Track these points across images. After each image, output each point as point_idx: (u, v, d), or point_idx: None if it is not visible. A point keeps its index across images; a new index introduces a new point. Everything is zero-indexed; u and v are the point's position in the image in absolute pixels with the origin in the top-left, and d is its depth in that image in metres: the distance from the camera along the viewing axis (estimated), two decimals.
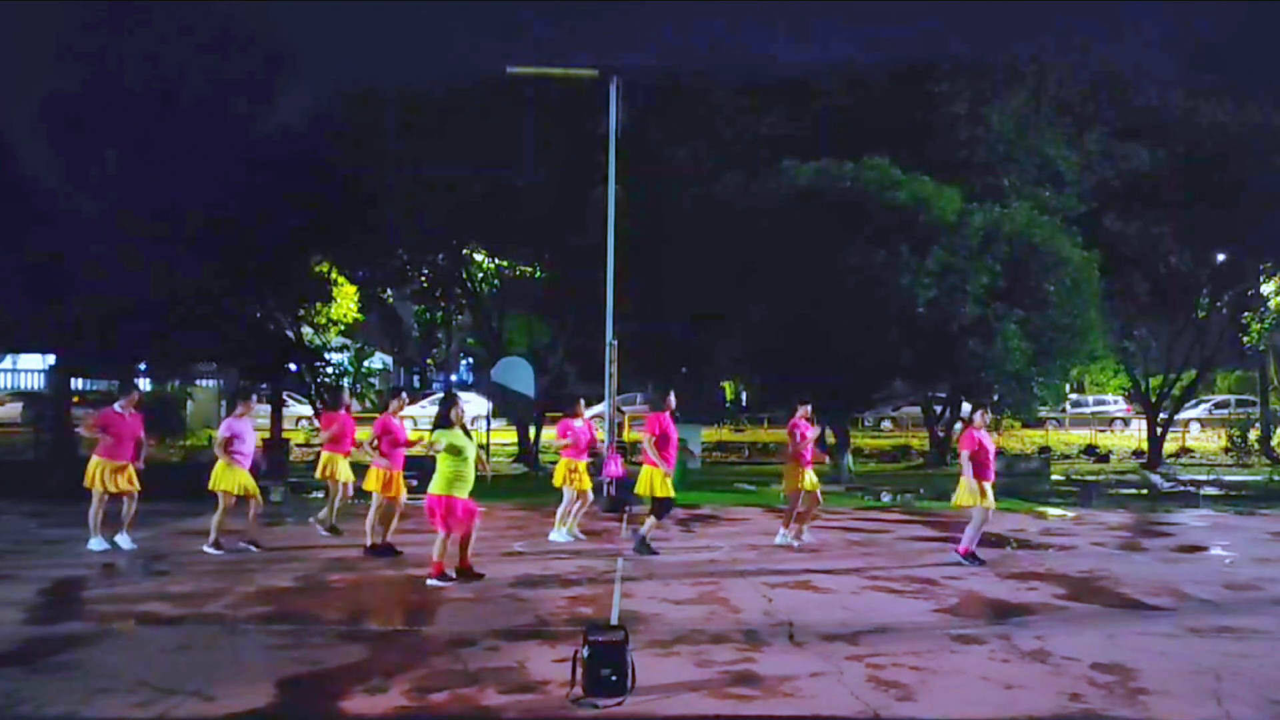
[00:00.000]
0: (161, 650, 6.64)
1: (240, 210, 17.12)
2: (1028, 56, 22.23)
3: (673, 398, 10.68)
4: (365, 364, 24.42)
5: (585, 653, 5.62)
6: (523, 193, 19.51)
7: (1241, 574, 9.91)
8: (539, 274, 23.44)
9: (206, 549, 10.36)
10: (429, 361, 29.90)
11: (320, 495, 16.07)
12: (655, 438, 10.47)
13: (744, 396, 36.23)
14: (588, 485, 11.69)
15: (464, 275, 23.55)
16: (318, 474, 12.11)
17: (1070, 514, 14.68)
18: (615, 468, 14.30)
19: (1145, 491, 18.12)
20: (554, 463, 13.06)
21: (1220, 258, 23.59)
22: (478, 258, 23.78)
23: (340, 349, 24.44)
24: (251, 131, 18.54)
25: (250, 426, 10.83)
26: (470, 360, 41.10)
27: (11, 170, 16.84)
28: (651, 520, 10.63)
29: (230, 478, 10.44)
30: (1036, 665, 6.44)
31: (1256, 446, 26.12)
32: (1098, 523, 13.89)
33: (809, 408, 11.52)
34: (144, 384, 24.14)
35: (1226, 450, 26.39)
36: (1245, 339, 26.53)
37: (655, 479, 10.42)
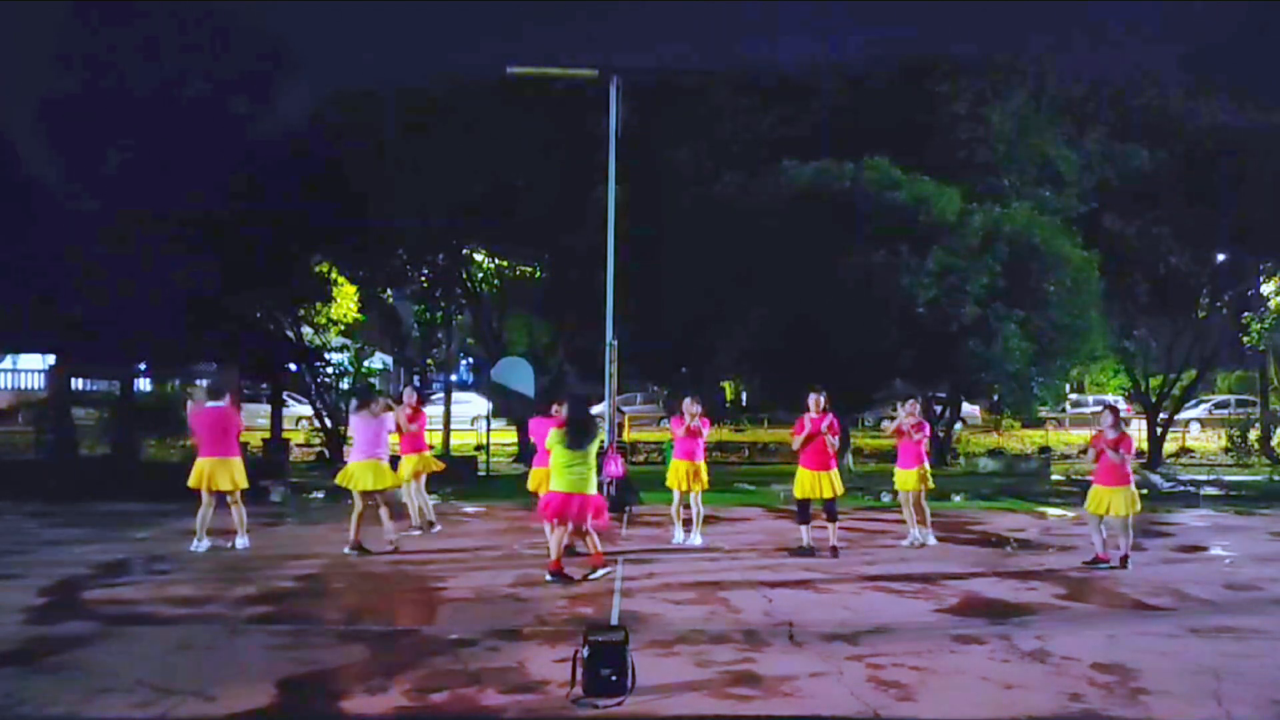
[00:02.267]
0: (161, 650, 6.64)
1: (240, 210, 17.11)
2: (1028, 56, 22.23)
3: (814, 398, 10.68)
4: (365, 364, 24.39)
5: (585, 653, 5.62)
6: (523, 193, 19.50)
7: (1241, 574, 9.91)
8: (539, 274, 23.43)
9: (347, 551, 10.21)
10: (429, 361, 29.86)
11: (320, 496, 16.09)
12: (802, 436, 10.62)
13: (744, 396, 36.23)
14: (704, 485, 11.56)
15: (464, 275, 23.54)
16: (406, 477, 11.83)
17: (1070, 514, 14.66)
18: (615, 468, 14.28)
19: (1145, 491, 17.99)
20: None
21: (1220, 258, 23.58)
22: (478, 258, 23.76)
23: (340, 349, 24.41)
24: (251, 131, 18.52)
25: (370, 424, 10.50)
26: (470, 360, 41.08)
27: (11, 170, 16.83)
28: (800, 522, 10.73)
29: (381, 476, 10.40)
30: (1036, 665, 6.44)
31: (1256, 446, 26.09)
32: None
33: (915, 404, 11.62)
34: (144, 384, 24.14)
35: (1226, 450, 26.36)
36: (1245, 339, 26.50)
37: (805, 480, 10.61)
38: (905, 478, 11.40)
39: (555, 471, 9.08)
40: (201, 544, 10.41)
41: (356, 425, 10.70)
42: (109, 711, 5.42)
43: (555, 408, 9.65)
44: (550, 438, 9.22)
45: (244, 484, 10.62)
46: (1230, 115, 21.63)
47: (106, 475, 16.43)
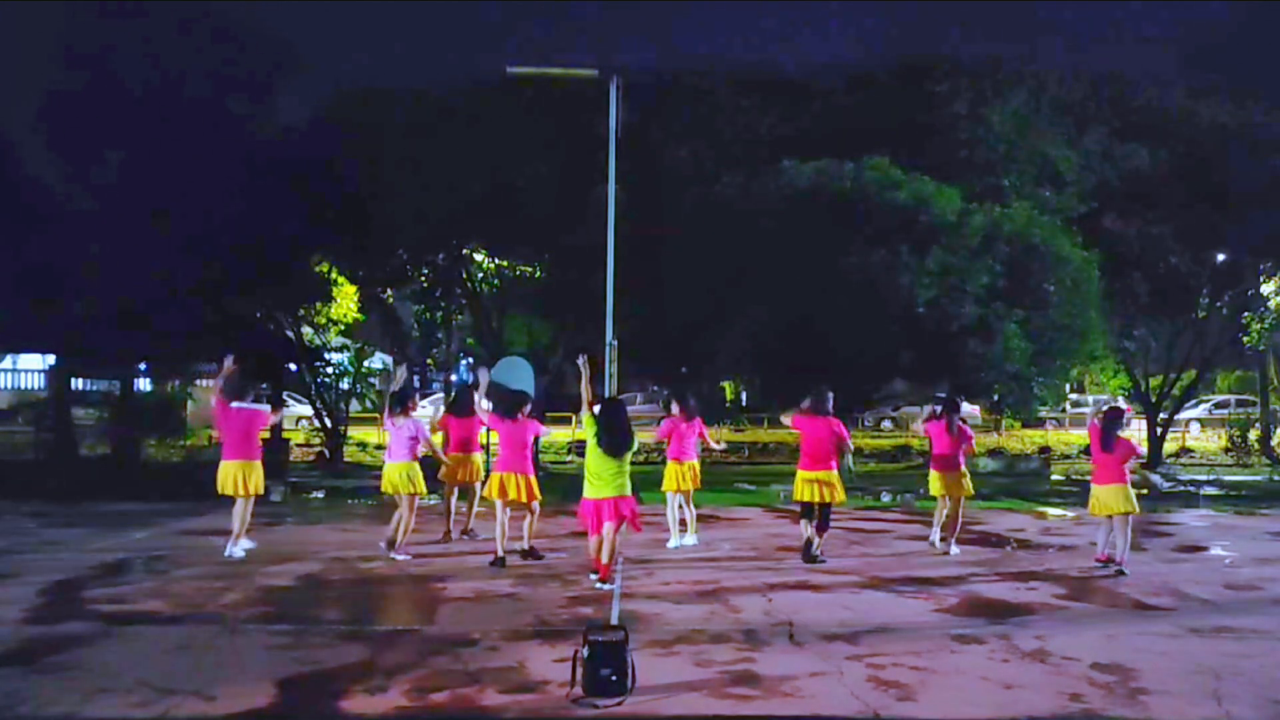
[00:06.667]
0: (161, 650, 6.64)
1: (240, 210, 17.11)
2: (1028, 56, 22.25)
3: (827, 398, 10.09)
4: (365, 364, 24.40)
5: (585, 653, 5.63)
6: (523, 193, 19.49)
7: (1241, 574, 9.91)
8: (539, 274, 23.43)
9: (395, 555, 9.97)
10: (429, 361, 29.84)
11: (319, 496, 16.10)
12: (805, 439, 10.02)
13: (744, 396, 36.26)
14: (685, 486, 10.96)
15: (464, 275, 23.53)
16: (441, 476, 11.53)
17: (1070, 514, 14.67)
18: None
19: (1145, 491, 18.06)
20: (558, 463, 12.92)
21: (1220, 258, 23.57)
22: (478, 258, 23.75)
23: (340, 349, 24.41)
24: (251, 131, 18.51)
25: (403, 425, 10.16)
26: (470, 360, 41.04)
27: (11, 170, 16.82)
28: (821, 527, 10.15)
29: (416, 479, 10.09)
30: (1036, 665, 6.44)
31: (1256, 446, 26.11)
32: (1098, 523, 13.86)
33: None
34: (145, 384, 24.13)
35: (1226, 450, 26.38)
36: (1245, 339, 26.50)
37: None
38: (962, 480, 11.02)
39: (596, 478, 8.63)
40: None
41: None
42: (109, 711, 5.42)
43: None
44: (590, 445, 8.73)
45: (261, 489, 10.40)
46: (1230, 115, 21.63)
47: (106, 475, 16.44)
